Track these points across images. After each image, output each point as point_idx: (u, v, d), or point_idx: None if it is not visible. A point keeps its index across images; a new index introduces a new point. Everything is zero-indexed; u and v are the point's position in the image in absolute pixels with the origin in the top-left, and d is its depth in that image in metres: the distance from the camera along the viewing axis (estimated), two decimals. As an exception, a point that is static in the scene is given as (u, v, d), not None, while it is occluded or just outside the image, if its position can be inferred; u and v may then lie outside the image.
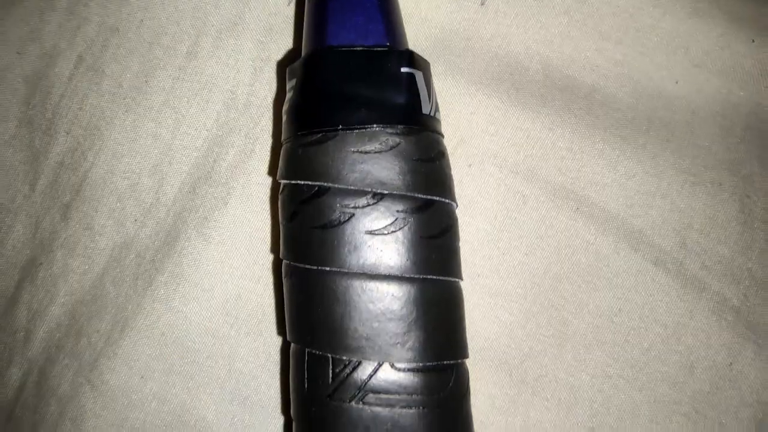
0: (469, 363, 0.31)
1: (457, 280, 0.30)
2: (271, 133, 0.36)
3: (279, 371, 0.35)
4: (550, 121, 0.36)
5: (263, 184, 0.36)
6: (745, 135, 0.36)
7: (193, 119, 0.37)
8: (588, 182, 0.36)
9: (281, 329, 0.35)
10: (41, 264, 0.37)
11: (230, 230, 0.36)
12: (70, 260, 0.37)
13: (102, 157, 0.37)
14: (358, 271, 0.28)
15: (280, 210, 0.30)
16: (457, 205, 0.31)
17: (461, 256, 0.31)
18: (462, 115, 0.36)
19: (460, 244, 0.31)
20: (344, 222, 0.28)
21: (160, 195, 0.37)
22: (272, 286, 0.36)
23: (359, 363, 0.28)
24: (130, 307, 0.36)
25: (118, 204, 0.37)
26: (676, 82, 0.36)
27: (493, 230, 0.36)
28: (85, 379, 0.35)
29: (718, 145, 0.36)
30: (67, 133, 0.38)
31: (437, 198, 0.29)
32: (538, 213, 0.36)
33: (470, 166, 0.36)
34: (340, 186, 0.28)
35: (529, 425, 0.35)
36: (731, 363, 0.34)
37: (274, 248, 0.35)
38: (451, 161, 0.31)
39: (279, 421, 0.35)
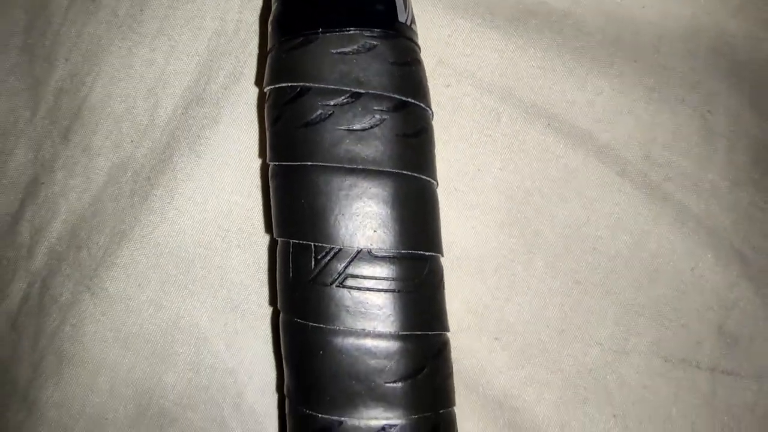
0: (445, 271, 0.33)
1: (432, 181, 0.32)
2: (257, 56, 0.39)
3: (267, 280, 0.37)
4: (523, 42, 0.38)
5: (251, 104, 0.38)
6: (708, 56, 0.38)
7: (186, 45, 0.39)
8: (558, 100, 0.38)
9: (269, 228, 0.37)
10: (43, 183, 0.39)
11: (221, 147, 0.38)
12: (70, 179, 0.39)
13: (99, 83, 0.39)
14: (338, 165, 0.30)
15: (266, 116, 0.33)
16: (432, 114, 0.33)
17: (438, 170, 0.33)
18: (440, 38, 0.38)
19: (438, 163, 0.33)
20: (324, 119, 0.30)
21: (154, 117, 0.39)
22: (261, 202, 0.38)
23: (339, 250, 0.30)
24: (127, 220, 0.38)
25: (115, 126, 0.39)
26: (643, 7, 0.38)
27: (469, 147, 0.38)
28: (86, 287, 0.37)
29: (682, 65, 0.38)
30: (66, 60, 0.40)
31: (412, 100, 0.31)
32: (512, 129, 0.38)
33: (448, 86, 0.38)
34: (320, 86, 0.30)
35: (502, 328, 0.37)
36: (693, 268, 0.37)
37: (262, 154, 0.38)
38: (429, 82, 0.33)
39: (267, 326, 0.37)
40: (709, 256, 0.37)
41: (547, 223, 0.37)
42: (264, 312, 0.37)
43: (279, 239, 0.32)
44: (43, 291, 0.38)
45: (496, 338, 0.37)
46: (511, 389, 0.36)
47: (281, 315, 0.32)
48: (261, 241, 0.38)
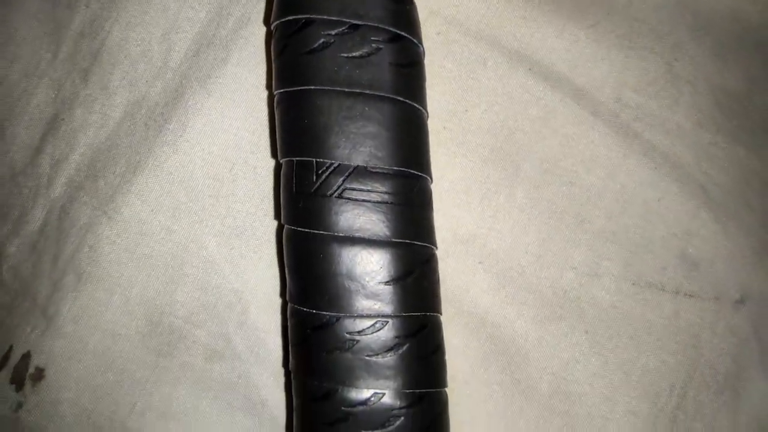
0: (435, 203, 0.36)
1: (423, 110, 0.35)
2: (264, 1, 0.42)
3: (273, 205, 0.41)
4: (506, -7, 0.42)
5: (258, 46, 0.41)
6: (675, 10, 0.42)
7: (198, -6, 0.43)
8: (539, 47, 0.41)
9: (275, 153, 0.40)
10: (63, 120, 0.42)
11: (230, 86, 0.41)
12: (88, 116, 0.42)
13: (117, 27, 0.42)
14: (338, 89, 0.33)
15: (272, 50, 0.36)
16: (424, 51, 0.36)
17: (429, 108, 0.36)
18: (431, -11, 0.42)
19: (429, 102, 0.36)
20: (326, 47, 0.33)
21: (168, 59, 0.42)
22: (266, 138, 0.41)
23: (338, 165, 0.33)
24: (142, 151, 0.41)
25: (131, 67, 0.42)
26: (617, -35, 0.42)
27: (457, 89, 0.41)
28: (102, 212, 0.40)
29: (652, 18, 0.42)
30: (87, 6, 0.43)
31: (406, 35, 0.34)
32: (496, 74, 0.41)
33: (438, 34, 0.42)
34: (323, 17, 0.33)
35: (485, 253, 0.40)
36: (659, 199, 0.40)
37: (268, 86, 0.41)
38: (422, 30, 0.37)
39: (272, 251, 0.41)
40: (674, 188, 0.40)
41: (527, 159, 0.41)
42: (268, 238, 0.41)
43: (283, 161, 0.35)
44: (62, 216, 0.41)
45: (480, 262, 0.40)
46: (493, 307, 0.40)
47: (285, 228, 0.35)
48: (266, 173, 0.41)
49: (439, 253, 0.37)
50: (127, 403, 0.40)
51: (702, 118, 0.41)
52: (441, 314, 0.35)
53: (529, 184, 0.41)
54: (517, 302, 0.40)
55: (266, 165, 0.41)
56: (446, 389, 0.35)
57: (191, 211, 0.41)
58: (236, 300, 0.40)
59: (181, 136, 0.41)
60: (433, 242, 0.35)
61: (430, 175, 0.36)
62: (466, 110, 0.41)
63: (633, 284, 0.40)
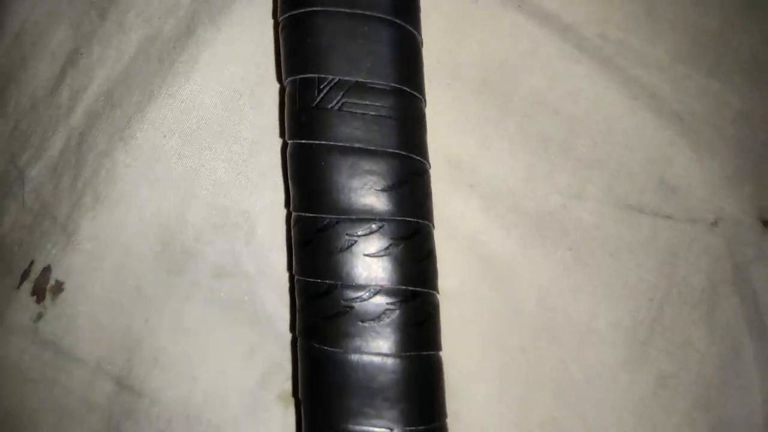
0: (429, 131, 0.39)
1: (419, 36, 0.38)
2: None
3: (277, 137, 0.43)
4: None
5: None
6: (655, -45, 0.45)
7: (208, -62, 0.45)
8: (527, -14, 0.44)
9: (279, 78, 0.43)
10: (82, 54, 0.45)
11: (238, 21, 0.44)
12: (105, 51, 0.45)
13: (132, -30, 0.45)
14: (340, 10, 0.36)
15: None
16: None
17: (423, 43, 0.39)
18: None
19: (423, 37, 0.39)
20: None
21: (180, -1, 0.45)
22: (271, 71, 0.44)
23: (339, 80, 0.36)
24: (155, 82, 0.44)
25: (145, 5, 0.45)
26: None
27: (450, 25, 0.44)
28: (119, 138, 0.43)
29: (633, -39, 0.45)
30: (104, -51, 0.46)
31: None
32: (488, 11, 0.44)
33: (433, -25, 0.44)
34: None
35: (476, 178, 0.43)
36: (638, 127, 0.43)
37: (274, 15, 0.44)
38: None
39: (278, 175, 0.43)
40: (652, 117, 0.43)
41: (516, 90, 0.44)
42: (274, 163, 0.43)
43: (288, 81, 0.38)
44: (81, 142, 0.44)
45: (471, 186, 0.43)
46: (483, 228, 0.42)
47: (289, 144, 0.38)
48: (271, 103, 0.44)
49: (433, 178, 0.39)
50: (140, 317, 0.43)
51: (679, 53, 0.44)
52: (433, 226, 0.38)
53: (519, 114, 0.43)
54: (505, 223, 0.42)
55: (272, 95, 0.44)
56: (438, 294, 0.38)
57: (201, 138, 0.43)
58: (243, 221, 0.43)
59: (192, 67, 0.44)
60: (426, 159, 0.38)
61: (424, 97, 0.38)
62: (459, 45, 0.44)
63: (614, 206, 0.43)
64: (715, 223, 0.43)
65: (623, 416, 0.41)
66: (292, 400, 0.43)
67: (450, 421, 0.38)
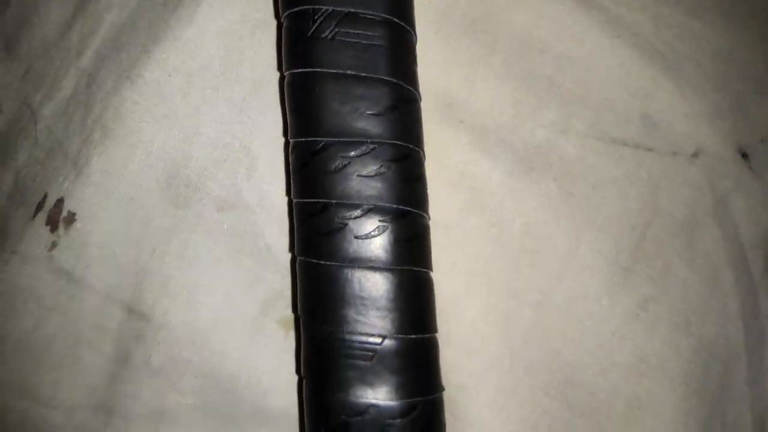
0: (420, 69, 0.41)
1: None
2: None
3: (276, 75, 0.46)
4: None
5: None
6: None
7: None
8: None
9: (277, 13, 0.45)
10: (90, 0, 0.47)
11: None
12: (112, -2, 0.47)
13: None
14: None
15: None
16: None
17: None
18: None
19: None
20: None
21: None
22: (272, 14, 0.46)
23: (332, 10, 0.38)
24: (160, 26, 0.46)
25: (150, -46, 0.47)
26: None
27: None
28: (126, 77, 0.46)
29: None
30: None
31: None
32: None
33: None
34: None
35: (466, 113, 0.45)
36: (621, 64, 0.45)
37: None
38: None
39: (277, 114, 0.45)
40: (635, 54, 0.45)
41: (504, 30, 0.45)
42: (273, 101, 0.45)
43: (284, 15, 0.40)
44: (90, 83, 0.46)
45: (461, 122, 0.45)
46: (472, 161, 0.44)
47: (286, 75, 0.40)
48: (269, 44, 0.46)
49: (423, 114, 0.41)
50: (148, 247, 0.45)
51: (662, -7, 0.46)
52: (423, 154, 0.40)
53: (506, 53, 0.45)
54: (493, 156, 0.44)
55: (270, 38, 0.46)
56: (428, 217, 0.40)
57: (204, 77, 0.46)
58: (244, 156, 0.45)
59: (195, 11, 0.46)
60: (416, 89, 0.40)
61: (414, 31, 0.40)
62: (450, -11, 0.46)
63: (598, 140, 0.44)
64: (695, 156, 0.45)
65: (605, 337, 0.43)
66: (292, 326, 0.45)
67: (441, 343, 0.40)
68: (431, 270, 0.40)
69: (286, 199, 0.45)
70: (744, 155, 0.45)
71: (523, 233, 0.44)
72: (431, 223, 0.40)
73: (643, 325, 0.43)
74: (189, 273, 0.45)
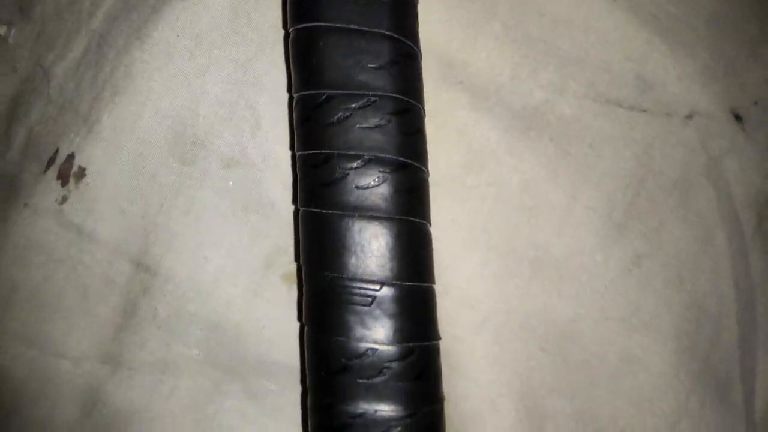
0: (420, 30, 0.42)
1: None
2: None
3: (282, 37, 0.47)
4: None
5: None
6: None
7: None
8: None
9: None
10: (101, -37, 0.49)
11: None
12: (122, -40, 0.49)
13: None
14: None
15: None
16: None
17: None
18: None
19: None
20: None
21: None
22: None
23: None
24: (168, -11, 0.47)
25: None
26: None
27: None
28: (136, 37, 0.47)
29: None
30: None
31: None
32: None
33: None
34: None
35: (465, 74, 0.46)
36: (616, 27, 0.46)
37: None
38: None
39: (282, 75, 0.47)
40: (630, 17, 0.46)
41: (504, -4, 0.47)
42: (278, 62, 0.47)
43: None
44: (101, 43, 0.48)
45: (460, 82, 0.46)
46: (470, 120, 0.46)
47: (291, 31, 0.41)
48: (275, 8, 0.47)
49: (424, 75, 0.42)
50: (156, 203, 0.47)
51: (658, -42, 0.47)
52: (424, 110, 0.41)
53: (505, 16, 0.46)
54: (492, 116, 0.46)
55: (275, 3, 0.47)
56: (427, 172, 0.41)
57: (211, 38, 0.47)
58: (250, 114, 0.47)
59: (202, -25, 0.47)
60: (417, 46, 0.41)
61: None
62: (451, -46, 0.47)
63: (594, 101, 0.46)
64: (689, 117, 0.46)
65: (599, 291, 0.44)
66: (295, 280, 0.46)
67: (438, 296, 0.41)
68: (430, 224, 0.41)
69: (290, 157, 0.47)
70: (737, 117, 0.46)
71: (521, 191, 0.45)
72: (431, 181, 0.41)
73: (636, 281, 0.44)
74: (195, 228, 0.46)
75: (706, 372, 0.45)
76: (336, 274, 0.38)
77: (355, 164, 0.39)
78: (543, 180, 0.45)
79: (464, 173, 0.46)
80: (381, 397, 0.38)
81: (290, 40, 0.41)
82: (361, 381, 0.38)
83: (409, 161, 0.39)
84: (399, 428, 0.38)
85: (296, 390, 0.46)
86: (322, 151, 0.39)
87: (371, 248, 0.38)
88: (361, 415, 0.38)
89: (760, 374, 0.47)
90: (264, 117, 0.47)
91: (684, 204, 0.45)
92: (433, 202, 0.42)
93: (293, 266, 0.46)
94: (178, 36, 0.47)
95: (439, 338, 0.40)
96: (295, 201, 0.45)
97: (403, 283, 0.39)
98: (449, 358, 0.43)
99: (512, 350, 0.44)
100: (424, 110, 0.42)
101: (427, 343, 0.39)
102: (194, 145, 0.47)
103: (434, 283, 0.41)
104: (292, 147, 0.45)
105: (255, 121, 0.47)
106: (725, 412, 0.46)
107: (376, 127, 0.39)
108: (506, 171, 0.45)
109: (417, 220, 0.40)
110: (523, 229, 0.45)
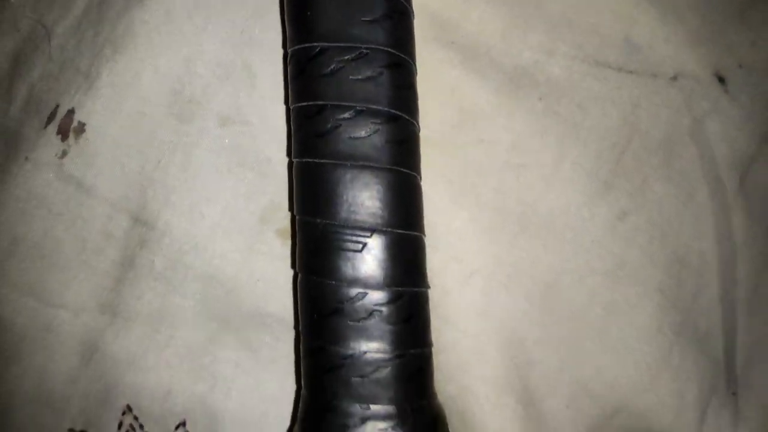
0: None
1: None
2: None
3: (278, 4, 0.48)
4: None
5: None
6: None
7: None
8: None
9: None
10: (102, -74, 0.50)
11: None
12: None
13: None
14: None
15: None
16: None
17: None
18: None
19: None
20: None
21: None
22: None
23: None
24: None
25: None
26: None
27: None
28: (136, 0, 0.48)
29: None
30: None
31: None
32: None
33: None
34: None
35: (458, 35, 0.47)
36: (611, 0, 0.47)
37: None
38: None
39: (277, 32, 0.48)
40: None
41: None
42: (274, 24, 0.48)
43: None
44: (101, 2, 0.49)
45: (452, 42, 0.47)
46: (461, 79, 0.47)
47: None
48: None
49: (417, 35, 0.43)
50: (154, 159, 0.48)
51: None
52: (415, 67, 0.42)
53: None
54: (482, 76, 0.47)
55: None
56: (418, 126, 0.42)
57: (208, 5, 0.48)
58: (246, 74, 0.48)
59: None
60: (409, 2, 0.42)
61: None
62: None
63: (582, 61, 0.47)
64: (674, 79, 0.47)
65: (584, 246, 0.45)
66: (289, 236, 0.48)
67: (428, 249, 0.42)
68: (420, 177, 0.42)
69: (284, 115, 0.48)
70: (721, 79, 0.47)
71: (510, 148, 0.46)
72: (423, 138, 0.43)
73: (620, 236, 0.46)
74: (192, 184, 0.48)
75: (688, 326, 0.46)
76: (328, 221, 0.40)
77: (347, 115, 0.40)
78: (532, 138, 0.46)
79: (455, 131, 0.47)
80: (371, 339, 0.39)
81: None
82: (351, 323, 0.39)
83: (400, 114, 0.41)
84: (388, 368, 0.39)
85: (289, 342, 0.47)
86: (316, 103, 0.40)
87: (362, 196, 0.40)
88: (351, 356, 0.39)
89: (741, 330, 0.48)
90: (260, 76, 0.48)
91: (668, 163, 0.46)
92: (424, 159, 0.43)
93: (287, 222, 0.48)
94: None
95: (428, 287, 0.42)
96: (289, 154, 0.46)
97: (393, 231, 0.40)
98: (438, 309, 0.44)
99: (499, 302, 0.45)
100: (415, 67, 0.43)
101: (416, 289, 0.41)
102: (191, 104, 0.48)
103: (424, 233, 0.42)
104: (286, 102, 0.46)
105: (251, 81, 0.48)
106: (706, 366, 0.47)
107: (368, 79, 0.40)
108: (496, 129, 0.46)
109: (407, 171, 0.41)
110: (512, 185, 0.46)
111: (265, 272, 0.47)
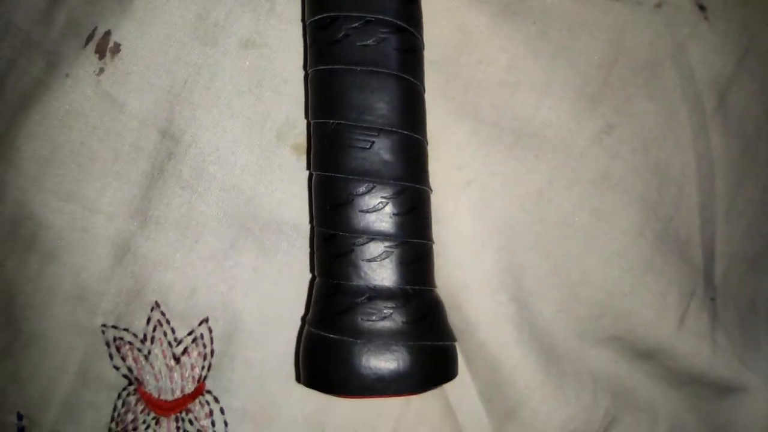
0: None
1: None
2: None
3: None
4: None
5: None
6: None
7: None
8: None
9: None
10: None
11: None
12: None
13: None
14: None
15: None
16: None
17: None
18: None
19: None
20: None
21: None
22: None
23: None
24: None
25: None
26: None
27: None
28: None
29: None
30: None
31: None
32: None
33: None
34: None
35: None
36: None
37: None
38: None
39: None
40: None
41: None
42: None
43: None
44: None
45: (454, -27, 0.52)
46: (461, 4, 0.51)
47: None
48: None
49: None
50: (180, 78, 0.52)
51: None
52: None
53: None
54: (481, 0, 0.51)
55: None
56: (423, 43, 0.46)
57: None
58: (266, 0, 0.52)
59: None
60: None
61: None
62: None
63: (577, -8, 0.51)
64: (658, 6, 0.51)
65: (573, 156, 0.50)
66: (303, 151, 0.52)
67: (430, 160, 0.47)
68: (424, 88, 0.46)
69: (301, 38, 0.52)
70: (701, 7, 0.51)
71: (506, 68, 0.50)
72: (426, 59, 0.47)
73: (606, 147, 0.50)
74: (215, 102, 0.52)
75: (669, 234, 0.51)
76: (341, 121, 0.44)
77: (357, 24, 0.44)
78: (525, 59, 0.50)
79: (456, 53, 0.51)
80: (378, 227, 0.43)
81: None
82: (360, 213, 0.44)
83: (406, 26, 0.45)
84: (393, 254, 0.43)
85: (304, 248, 0.52)
86: (329, 14, 0.45)
87: (371, 99, 0.44)
88: (360, 242, 0.43)
89: (719, 242, 0.53)
90: (278, 2, 0.52)
91: (651, 83, 0.51)
92: (428, 78, 0.47)
93: (302, 138, 0.52)
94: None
95: (430, 188, 0.46)
96: (305, 67, 0.50)
97: (399, 131, 0.44)
98: (437, 212, 0.49)
99: (494, 208, 0.50)
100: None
101: (419, 186, 0.45)
102: (215, 28, 0.52)
103: (426, 139, 0.46)
104: (303, 20, 0.51)
105: (270, 6, 0.52)
106: (687, 271, 0.51)
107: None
108: (494, 50, 0.51)
109: (412, 79, 0.45)
110: (508, 101, 0.50)
111: (280, 182, 0.52)
